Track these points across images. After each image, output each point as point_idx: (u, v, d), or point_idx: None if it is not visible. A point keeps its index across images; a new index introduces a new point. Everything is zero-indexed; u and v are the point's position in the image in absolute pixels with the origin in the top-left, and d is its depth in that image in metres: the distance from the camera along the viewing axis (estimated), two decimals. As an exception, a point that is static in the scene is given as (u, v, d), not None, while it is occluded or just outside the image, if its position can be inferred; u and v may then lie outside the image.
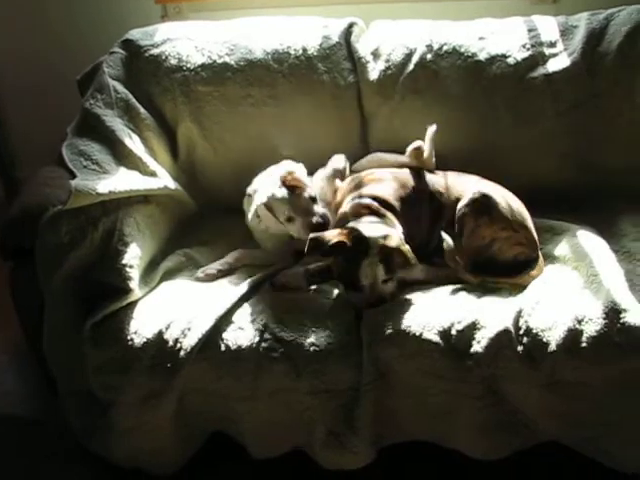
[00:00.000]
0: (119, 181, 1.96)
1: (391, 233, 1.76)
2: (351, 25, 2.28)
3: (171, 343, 1.73)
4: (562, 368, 1.63)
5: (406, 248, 1.74)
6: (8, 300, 1.91)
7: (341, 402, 1.71)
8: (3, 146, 2.99)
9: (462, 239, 1.86)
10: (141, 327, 1.76)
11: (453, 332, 1.68)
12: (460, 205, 1.90)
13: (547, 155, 2.14)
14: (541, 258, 1.89)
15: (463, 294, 1.80)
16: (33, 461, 2.05)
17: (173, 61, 2.23)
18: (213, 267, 1.97)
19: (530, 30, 2.18)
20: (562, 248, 1.93)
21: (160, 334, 1.74)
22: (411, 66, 2.17)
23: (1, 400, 2.27)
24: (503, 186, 2.00)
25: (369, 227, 1.77)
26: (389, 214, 1.85)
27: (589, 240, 1.90)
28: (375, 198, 1.88)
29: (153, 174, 2.08)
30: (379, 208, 1.86)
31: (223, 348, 1.72)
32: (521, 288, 1.81)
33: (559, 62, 2.12)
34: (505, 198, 1.92)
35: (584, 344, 1.61)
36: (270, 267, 1.95)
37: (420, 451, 1.83)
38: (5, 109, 2.95)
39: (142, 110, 2.18)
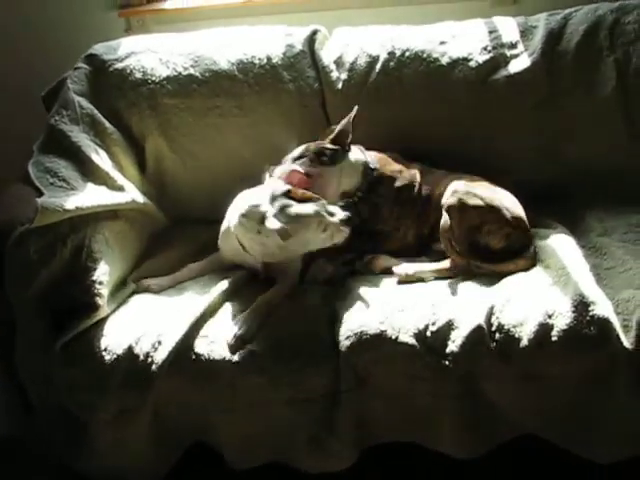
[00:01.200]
0: (86, 197, 1.96)
1: None
2: (314, 33, 2.32)
3: (142, 358, 1.73)
4: (535, 362, 1.68)
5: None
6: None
7: (320, 408, 1.73)
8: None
9: (454, 230, 1.91)
10: (111, 343, 1.76)
11: (428, 333, 1.71)
12: (445, 197, 1.95)
13: (512, 154, 2.20)
14: (532, 250, 1.93)
15: (436, 292, 1.83)
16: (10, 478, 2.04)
17: (138, 75, 2.25)
18: (152, 282, 1.97)
19: (491, 32, 2.24)
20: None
21: (130, 349, 1.75)
22: (374, 74, 2.21)
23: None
24: None
25: None
26: None
27: (557, 236, 1.96)
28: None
29: (121, 188, 2.08)
30: None
31: (196, 361, 1.73)
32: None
33: (520, 63, 2.18)
34: (490, 188, 1.99)
35: (555, 338, 1.66)
36: (235, 276, 1.96)
37: (405, 448, 1.85)
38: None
39: (108, 125, 2.19)
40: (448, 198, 1.95)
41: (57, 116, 2.15)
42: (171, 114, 2.23)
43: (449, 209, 1.92)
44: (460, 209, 1.90)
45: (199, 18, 2.67)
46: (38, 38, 2.73)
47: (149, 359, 1.73)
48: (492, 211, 1.90)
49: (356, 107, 2.03)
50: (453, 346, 1.69)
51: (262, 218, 1.77)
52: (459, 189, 1.94)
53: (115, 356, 1.74)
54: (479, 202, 1.91)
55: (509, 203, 1.95)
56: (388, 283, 1.91)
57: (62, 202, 1.89)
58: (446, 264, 1.93)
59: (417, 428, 1.80)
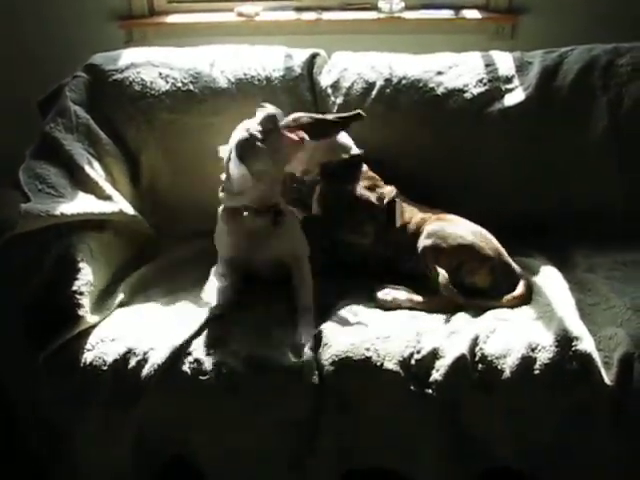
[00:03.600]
0: (72, 204, 1.98)
1: None
2: (314, 56, 2.38)
3: (128, 373, 1.75)
4: (516, 395, 1.71)
5: None
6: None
7: (302, 431, 1.75)
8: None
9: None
10: (97, 357, 1.77)
11: (412, 361, 1.74)
12: (420, 242, 1.99)
13: (503, 187, 2.25)
14: (524, 283, 1.96)
15: (422, 320, 1.87)
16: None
17: (137, 87, 2.29)
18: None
19: (487, 65, 2.31)
20: None
21: (116, 364, 1.76)
22: (370, 100, 2.27)
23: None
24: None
25: None
26: None
27: (544, 270, 2.02)
28: None
29: (109, 198, 2.09)
30: None
31: (181, 381, 1.74)
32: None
33: (515, 97, 2.24)
34: (462, 225, 2.03)
35: (537, 371, 1.70)
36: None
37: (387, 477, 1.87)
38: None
39: (103, 136, 2.22)
40: (423, 240, 1.99)
41: (52, 123, 2.18)
42: (168, 129, 2.28)
43: (425, 251, 1.97)
44: (435, 253, 1.95)
45: (200, 34, 2.74)
46: (39, 47, 2.79)
47: (135, 375, 1.74)
48: (469, 249, 1.95)
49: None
50: (437, 375, 1.72)
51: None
52: (433, 230, 1.99)
53: (100, 370, 1.75)
54: (453, 243, 1.95)
55: (482, 237, 2.00)
56: (374, 308, 1.93)
57: (47, 208, 1.90)
58: (421, 299, 1.95)
59: (398, 456, 1.82)
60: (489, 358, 1.73)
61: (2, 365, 1.85)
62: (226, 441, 1.79)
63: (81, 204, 2.00)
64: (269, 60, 2.35)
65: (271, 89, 2.29)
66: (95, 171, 2.13)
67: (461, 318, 1.88)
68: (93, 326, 1.85)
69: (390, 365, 1.73)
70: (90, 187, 2.08)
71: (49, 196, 1.98)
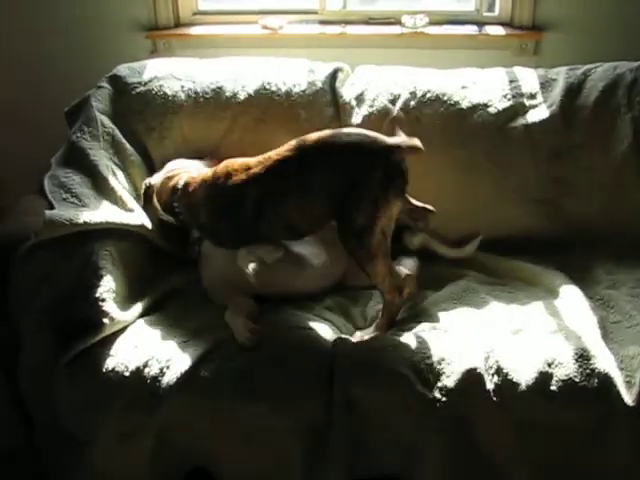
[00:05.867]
0: (95, 212, 2.03)
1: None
2: (337, 71, 2.42)
3: (149, 381, 1.78)
4: (531, 410, 1.73)
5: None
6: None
7: (317, 437, 1.78)
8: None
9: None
10: (118, 364, 1.81)
11: (423, 366, 1.77)
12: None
13: (524, 202, 2.27)
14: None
15: (436, 327, 1.90)
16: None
17: (159, 101, 2.35)
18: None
19: (511, 81, 2.35)
20: (535, 294, 2.06)
21: (138, 372, 1.79)
22: (394, 112, 2.29)
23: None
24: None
25: None
26: None
27: (563, 288, 2.03)
28: None
29: (131, 211, 2.14)
30: None
31: (201, 387, 1.78)
32: None
33: (538, 113, 2.28)
34: None
35: (554, 387, 1.72)
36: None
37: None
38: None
39: (128, 146, 2.29)
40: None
41: (79, 132, 2.25)
42: (189, 142, 2.33)
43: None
44: None
45: (224, 46, 2.80)
46: (65, 56, 2.87)
47: (156, 383, 1.78)
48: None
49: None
50: (448, 381, 1.74)
51: None
52: None
53: (122, 377, 1.79)
54: None
55: None
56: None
57: (70, 216, 1.96)
58: (382, 321, 1.95)
59: (406, 462, 1.83)
60: (505, 370, 1.75)
61: (22, 370, 1.89)
62: (243, 449, 1.82)
63: (105, 213, 2.05)
64: (290, 74, 2.39)
65: (290, 104, 2.33)
66: (119, 182, 2.19)
67: (475, 325, 1.90)
68: (115, 333, 1.89)
69: (400, 368, 1.76)
70: (113, 198, 2.14)
71: (73, 205, 2.04)
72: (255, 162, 1.90)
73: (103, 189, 2.14)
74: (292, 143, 1.86)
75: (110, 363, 1.81)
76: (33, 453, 1.98)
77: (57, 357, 1.82)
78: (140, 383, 1.78)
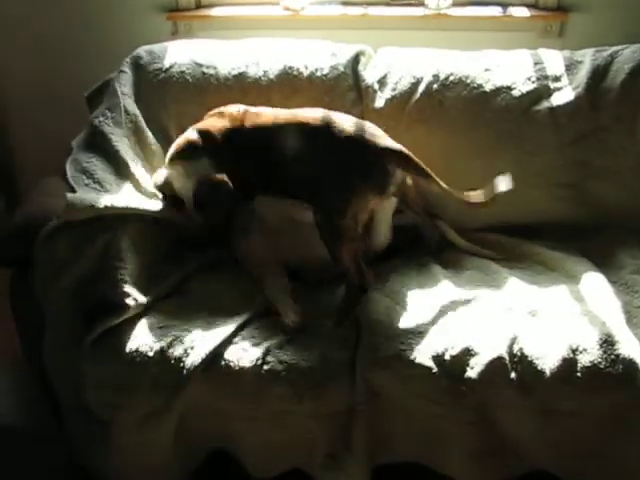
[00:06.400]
0: (117, 197, 2.05)
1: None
2: (360, 54, 2.40)
3: (174, 362, 1.80)
4: (556, 397, 1.74)
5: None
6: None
7: (339, 424, 1.81)
8: (6, 158, 3.09)
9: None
10: (143, 345, 1.83)
11: (447, 357, 1.77)
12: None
13: (549, 186, 2.26)
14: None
15: (458, 316, 1.89)
16: (29, 476, 2.13)
17: (181, 88, 2.34)
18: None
19: (536, 63, 2.32)
20: (556, 279, 2.05)
21: (162, 352, 1.82)
22: (417, 95, 2.29)
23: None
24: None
25: None
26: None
27: (585, 272, 2.02)
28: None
29: (152, 197, 2.16)
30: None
31: (225, 368, 1.80)
32: None
33: (563, 96, 2.25)
34: None
35: (578, 374, 1.72)
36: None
37: (416, 473, 1.92)
38: (8, 122, 3.05)
39: (149, 134, 2.29)
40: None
41: (102, 117, 2.25)
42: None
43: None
44: None
45: (245, 27, 2.78)
46: (85, 37, 2.86)
47: (181, 363, 1.80)
48: None
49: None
50: (471, 372, 1.75)
51: None
52: None
53: (146, 358, 1.81)
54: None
55: None
56: (410, 301, 1.97)
57: (92, 200, 1.97)
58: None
59: (429, 450, 1.87)
60: (529, 358, 1.76)
61: (47, 351, 1.92)
62: (266, 431, 1.85)
63: (127, 199, 2.06)
64: (313, 58, 2.37)
65: (313, 89, 2.32)
66: (139, 170, 2.19)
67: (498, 314, 1.90)
68: (140, 313, 1.91)
69: (423, 360, 1.77)
70: (135, 184, 2.15)
71: (95, 191, 2.05)
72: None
73: (125, 176, 2.14)
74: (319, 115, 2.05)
75: (134, 343, 1.83)
76: (63, 434, 2.01)
77: (81, 338, 1.84)
78: (164, 364, 1.80)
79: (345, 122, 2.01)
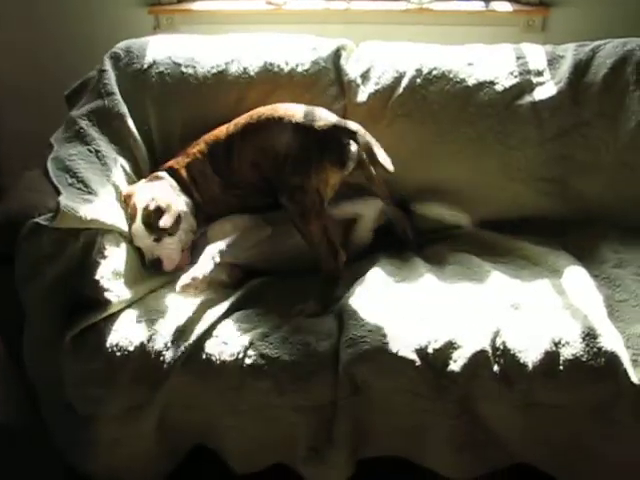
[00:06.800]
0: (105, 212, 1.99)
1: (158, 196, 2.01)
2: (341, 48, 2.38)
3: (154, 355, 1.80)
4: (538, 390, 1.75)
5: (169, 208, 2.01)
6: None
7: (322, 417, 1.80)
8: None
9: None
10: (123, 340, 1.82)
11: (430, 350, 1.77)
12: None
13: (531, 181, 2.26)
14: None
15: (441, 309, 1.89)
16: (12, 472, 2.11)
17: (159, 89, 2.31)
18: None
19: (518, 58, 2.32)
20: (539, 273, 2.06)
21: (142, 347, 1.81)
22: (400, 89, 2.28)
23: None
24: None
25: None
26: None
27: (567, 267, 2.03)
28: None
29: None
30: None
31: (206, 362, 1.79)
32: None
33: (546, 91, 2.26)
34: None
35: (561, 367, 1.73)
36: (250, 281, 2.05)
37: (399, 466, 1.92)
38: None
39: (133, 132, 2.25)
40: None
41: (82, 116, 2.22)
42: (190, 128, 2.28)
43: None
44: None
45: (227, 21, 2.78)
46: (66, 32, 2.84)
47: (161, 357, 1.80)
48: None
49: None
50: (454, 366, 1.75)
51: None
52: None
53: (126, 352, 1.80)
54: None
55: None
56: (393, 295, 1.96)
57: (82, 212, 1.90)
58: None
59: (412, 444, 1.87)
60: (511, 351, 1.76)
61: (26, 348, 1.90)
62: (248, 425, 1.84)
63: (113, 216, 2.02)
64: (294, 53, 2.35)
65: (294, 85, 2.30)
66: (121, 172, 2.16)
67: (481, 307, 1.90)
68: (121, 309, 1.90)
69: (406, 353, 1.76)
70: (116, 191, 2.11)
71: (80, 192, 2.00)
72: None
73: (107, 177, 2.11)
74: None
75: (114, 338, 1.82)
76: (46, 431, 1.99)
77: (62, 333, 1.83)
78: (145, 358, 1.80)
79: (292, 109, 2.07)
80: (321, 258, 1.97)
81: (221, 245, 1.99)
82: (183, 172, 2.15)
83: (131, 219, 2.05)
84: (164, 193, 2.06)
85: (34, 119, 2.77)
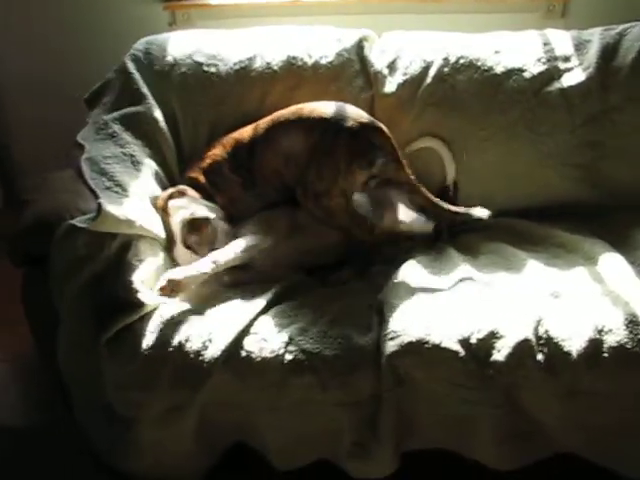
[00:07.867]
0: (143, 217, 1.98)
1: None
2: (364, 39, 2.37)
3: (192, 356, 1.78)
4: (582, 378, 1.73)
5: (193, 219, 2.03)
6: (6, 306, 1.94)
7: (365, 411, 1.79)
8: (5, 155, 3.04)
9: None
10: (160, 340, 1.80)
11: (473, 340, 1.76)
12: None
13: (562, 168, 2.26)
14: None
15: (482, 300, 1.88)
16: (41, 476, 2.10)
17: (183, 90, 2.30)
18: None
19: (545, 44, 2.31)
20: (574, 261, 2.05)
21: (180, 347, 1.79)
22: (429, 79, 2.28)
23: (3, 412, 2.31)
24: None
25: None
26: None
27: (603, 254, 2.02)
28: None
29: None
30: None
31: (247, 360, 1.78)
32: None
33: (574, 77, 2.25)
34: None
35: (605, 354, 1.72)
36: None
37: (443, 459, 1.91)
38: (4, 119, 3.01)
39: (167, 136, 2.25)
40: None
41: (115, 120, 2.20)
42: (217, 127, 2.29)
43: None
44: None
45: (245, 15, 2.77)
46: (83, 28, 2.84)
47: (200, 357, 1.78)
48: None
49: None
50: (498, 355, 1.74)
51: None
52: None
53: (164, 353, 1.79)
54: None
55: None
56: (431, 285, 1.95)
57: (125, 216, 1.89)
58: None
59: (455, 435, 1.86)
60: (555, 340, 1.75)
61: (61, 351, 1.88)
62: (290, 422, 1.83)
63: (153, 224, 2.02)
64: (317, 45, 2.34)
65: (319, 78, 2.29)
66: (155, 175, 2.16)
67: (522, 296, 1.88)
68: (156, 309, 1.88)
69: (449, 344, 1.75)
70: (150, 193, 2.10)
71: (118, 195, 1.98)
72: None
73: (142, 183, 2.09)
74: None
75: (150, 339, 1.80)
76: (75, 428, 1.97)
77: (97, 335, 1.81)
78: (184, 359, 1.78)
79: (322, 107, 2.04)
80: (354, 233, 2.01)
81: (223, 256, 1.97)
82: (202, 178, 2.14)
83: (169, 242, 2.06)
84: (196, 211, 2.05)
85: (52, 120, 2.78)
